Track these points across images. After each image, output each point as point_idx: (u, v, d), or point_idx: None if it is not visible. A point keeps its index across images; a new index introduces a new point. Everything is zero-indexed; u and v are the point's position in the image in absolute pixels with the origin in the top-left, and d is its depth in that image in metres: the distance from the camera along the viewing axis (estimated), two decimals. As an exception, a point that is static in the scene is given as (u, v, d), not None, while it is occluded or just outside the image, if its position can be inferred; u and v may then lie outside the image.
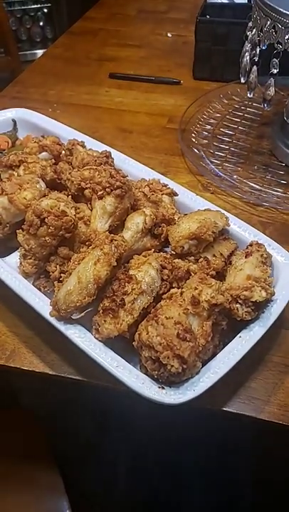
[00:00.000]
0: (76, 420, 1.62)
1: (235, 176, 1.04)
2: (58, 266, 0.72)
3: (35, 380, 0.73)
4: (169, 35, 1.67)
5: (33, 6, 3.41)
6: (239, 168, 1.08)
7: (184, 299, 0.59)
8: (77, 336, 0.62)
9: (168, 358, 0.54)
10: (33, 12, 3.44)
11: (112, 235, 0.67)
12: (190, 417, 0.79)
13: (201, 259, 0.66)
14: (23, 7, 3.40)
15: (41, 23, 3.50)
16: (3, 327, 0.77)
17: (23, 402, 1.41)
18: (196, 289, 0.60)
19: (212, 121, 1.21)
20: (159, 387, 0.57)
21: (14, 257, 0.78)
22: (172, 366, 0.54)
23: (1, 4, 2.20)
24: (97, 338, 0.62)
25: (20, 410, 1.27)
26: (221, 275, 0.69)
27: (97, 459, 1.54)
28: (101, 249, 0.63)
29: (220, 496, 1.45)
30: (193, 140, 1.15)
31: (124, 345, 0.64)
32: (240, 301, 0.62)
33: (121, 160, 0.92)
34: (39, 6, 3.40)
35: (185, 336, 0.55)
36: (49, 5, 3.37)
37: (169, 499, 1.45)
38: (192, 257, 0.68)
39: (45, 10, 3.43)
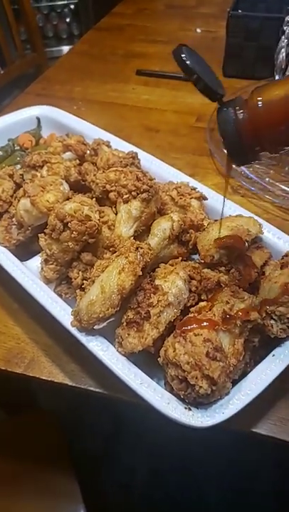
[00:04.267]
0: (93, 422, 1.60)
1: (266, 179, 0.99)
2: (80, 272, 0.69)
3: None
4: (198, 30, 1.62)
5: (59, 3, 3.40)
6: (271, 171, 1.02)
7: (214, 314, 0.55)
8: (100, 348, 0.59)
9: (196, 378, 0.50)
10: (59, 9, 3.43)
11: (138, 242, 0.63)
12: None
13: (233, 269, 0.62)
14: (50, 3, 3.39)
15: (68, 20, 3.49)
16: (23, 334, 0.74)
17: (41, 402, 1.40)
18: (227, 303, 0.56)
19: (243, 120, 1.15)
20: (186, 408, 0.53)
21: (35, 261, 0.75)
22: (200, 387, 0.50)
23: (28, 1, 2.19)
24: (120, 352, 0.59)
25: (40, 411, 1.26)
26: (253, 287, 0.64)
27: (112, 462, 1.52)
28: (126, 258, 0.59)
29: (237, 505, 1.41)
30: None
31: (146, 358, 0.60)
32: (274, 317, 0.58)
33: (147, 161, 0.88)
34: (66, 2, 3.39)
35: (215, 355, 0.51)
36: (76, 1, 3.35)
37: (187, 507, 1.42)
38: (223, 267, 0.63)
39: (72, 6, 3.42)
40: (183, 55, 0.45)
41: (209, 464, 1.47)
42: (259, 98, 0.43)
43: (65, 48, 3.50)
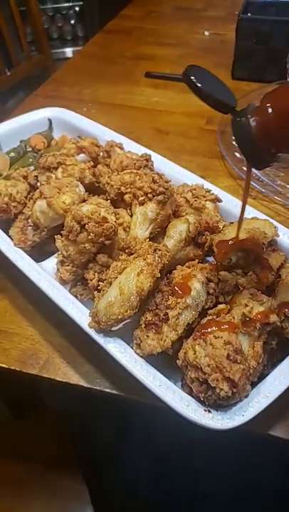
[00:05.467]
0: (99, 423, 1.60)
1: (278, 181, 0.99)
2: (96, 274, 0.69)
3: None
4: (206, 33, 1.62)
5: (65, 5, 3.41)
6: (282, 173, 1.02)
7: (233, 317, 0.55)
8: (118, 350, 0.59)
9: (217, 380, 0.50)
10: (65, 10, 3.44)
11: (156, 244, 0.63)
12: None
13: (251, 272, 0.62)
14: (55, 5, 3.40)
15: (72, 22, 3.50)
16: (37, 334, 0.74)
17: (47, 402, 1.40)
18: (246, 305, 0.56)
19: (253, 123, 1.16)
20: (205, 410, 0.53)
21: (50, 262, 0.75)
22: (221, 390, 0.50)
23: (34, 2, 2.20)
24: (138, 354, 0.59)
25: (47, 413, 1.26)
26: (270, 289, 0.64)
27: (119, 461, 1.52)
28: (144, 260, 0.59)
29: (242, 505, 1.41)
30: (233, 142, 1.10)
31: (163, 359, 0.60)
32: (293, 320, 0.58)
33: (160, 163, 0.89)
34: (71, 4, 3.40)
35: (236, 358, 0.51)
36: (81, 3, 3.36)
37: (193, 508, 1.41)
38: (240, 270, 0.63)
39: (77, 8, 3.43)
40: (192, 77, 0.48)
41: (216, 466, 1.47)
42: (268, 104, 0.44)
43: (70, 50, 3.51)
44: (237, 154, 1.06)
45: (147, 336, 0.57)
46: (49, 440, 1.17)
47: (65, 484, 1.09)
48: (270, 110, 0.44)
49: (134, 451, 1.53)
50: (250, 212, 0.77)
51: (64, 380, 0.69)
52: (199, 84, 0.48)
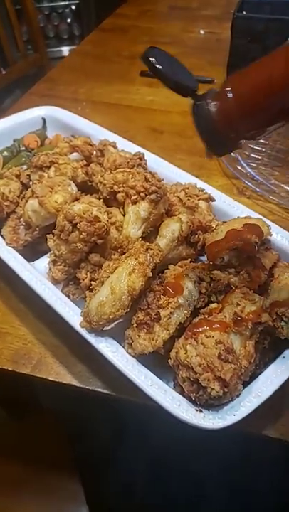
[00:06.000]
0: (95, 424, 1.60)
1: (272, 181, 0.99)
2: (88, 273, 0.69)
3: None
4: (202, 32, 1.62)
5: (61, 3, 3.40)
6: (276, 172, 1.02)
7: (225, 316, 0.55)
8: (109, 350, 0.59)
9: (208, 380, 0.50)
10: (61, 9, 3.43)
11: (148, 243, 0.63)
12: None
13: (243, 271, 0.62)
14: (51, 4, 3.39)
15: (69, 20, 3.49)
16: (29, 334, 0.74)
17: (43, 403, 1.40)
18: (238, 305, 0.56)
19: (247, 122, 1.15)
20: (197, 410, 0.53)
21: (43, 262, 0.75)
22: (213, 389, 0.50)
23: (30, 1, 2.19)
24: (129, 353, 0.58)
25: (44, 413, 1.25)
26: (262, 289, 0.64)
27: (115, 463, 1.52)
28: (136, 259, 0.59)
29: (239, 507, 1.41)
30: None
31: (155, 359, 0.60)
32: (285, 319, 0.57)
33: (154, 162, 0.88)
34: (67, 2, 3.39)
35: (227, 357, 0.51)
36: (77, 2, 3.35)
37: (188, 509, 1.41)
38: (232, 269, 0.63)
39: (73, 7, 3.42)
40: (151, 58, 0.46)
41: (212, 468, 1.47)
42: (228, 88, 0.43)
43: (66, 49, 3.50)
44: (232, 153, 1.06)
45: (139, 336, 0.57)
46: (46, 441, 1.16)
47: (61, 485, 1.09)
48: (230, 95, 0.43)
49: (130, 453, 1.53)
50: (244, 211, 0.77)
51: (56, 380, 0.68)
52: (159, 66, 0.46)
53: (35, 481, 1.09)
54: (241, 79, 0.44)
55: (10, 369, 0.70)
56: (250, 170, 1.01)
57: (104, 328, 0.62)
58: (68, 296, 0.70)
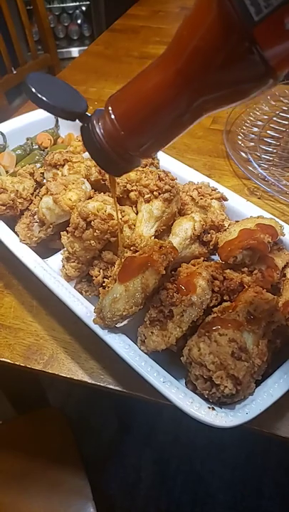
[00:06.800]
0: (100, 421, 1.60)
1: (283, 181, 0.99)
2: (101, 270, 0.69)
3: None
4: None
5: (71, 4, 3.42)
6: (287, 173, 1.02)
7: (238, 315, 0.55)
8: (122, 346, 0.59)
9: (221, 378, 0.50)
10: (71, 10, 3.45)
11: (161, 241, 0.64)
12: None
13: (256, 271, 0.62)
14: (61, 5, 3.41)
15: (79, 21, 3.51)
16: (42, 330, 0.75)
17: (51, 400, 1.41)
18: (251, 303, 0.56)
19: (259, 123, 1.16)
20: (209, 408, 0.53)
21: (56, 259, 0.76)
22: (225, 387, 0.50)
23: (41, 2, 2.20)
24: (142, 350, 0.59)
25: (49, 409, 1.26)
26: (275, 288, 0.64)
27: (119, 461, 1.53)
28: (150, 257, 0.59)
29: (245, 506, 1.41)
30: (239, 142, 1.10)
31: (166, 356, 0.61)
32: (297, 319, 0.58)
33: (166, 161, 0.89)
34: (78, 3, 3.41)
35: (240, 355, 0.51)
36: (87, 3, 3.36)
37: (193, 507, 1.42)
38: (245, 268, 0.63)
39: (84, 8, 3.44)
40: (33, 89, 0.41)
41: (216, 465, 1.47)
42: (109, 108, 0.40)
43: (75, 50, 3.51)
44: (243, 154, 1.07)
45: (152, 333, 0.57)
46: (52, 435, 1.17)
47: (67, 479, 1.09)
48: (111, 114, 0.39)
49: (135, 451, 1.53)
50: (256, 211, 0.77)
51: (68, 376, 0.69)
52: (44, 98, 0.41)
53: (42, 475, 1.10)
54: (122, 95, 0.40)
55: (22, 365, 0.70)
56: (261, 171, 1.01)
57: (117, 325, 0.62)
58: (81, 293, 0.70)
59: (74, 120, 0.44)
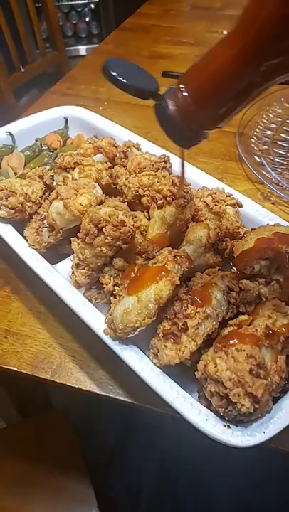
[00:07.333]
0: (104, 425, 1.59)
1: (298, 186, 0.96)
2: (112, 278, 0.67)
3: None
4: (225, 32, 1.59)
5: (80, 2, 3.39)
6: (302, 178, 1.00)
7: (256, 329, 0.53)
8: (134, 359, 0.57)
9: (239, 395, 0.48)
10: (80, 8, 3.43)
11: (175, 250, 0.61)
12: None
13: (274, 281, 0.60)
14: (70, 2, 3.39)
15: (87, 19, 3.49)
16: (50, 338, 0.73)
17: (54, 402, 1.39)
18: (269, 317, 0.54)
19: (272, 125, 1.13)
20: (225, 426, 0.51)
21: (65, 264, 0.74)
22: (243, 405, 0.48)
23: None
24: (154, 364, 0.57)
25: (53, 413, 1.25)
26: (292, 300, 0.62)
27: (123, 463, 1.51)
28: (163, 266, 0.57)
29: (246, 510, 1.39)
30: (252, 145, 1.07)
31: (179, 368, 0.58)
32: (317, 333, 0.55)
33: (179, 165, 0.86)
34: (86, 1, 3.39)
35: (258, 372, 0.49)
36: (96, 1, 3.34)
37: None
38: (262, 279, 0.61)
39: (92, 6, 3.41)
40: (110, 70, 0.49)
41: (220, 469, 1.45)
42: (182, 85, 0.45)
43: (83, 48, 3.49)
44: (256, 158, 1.04)
45: (165, 346, 0.55)
46: (56, 440, 1.16)
47: (71, 485, 1.08)
48: (184, 91, 0.45)
49: (139, 454, 1.52)
50: (272, 218, 0.74)
51: (76, 386, 0.67)
52: (123, 80, 0.48)
53: (45, 481, 1.08)
54: (192, 72, 0.45)
55: (29, 373, 0.69)
56: (275, 175, 0.98)
57: (128, 336, 0.60)
58: (90, 301, 0.68)
59: (148, 98, 0.50)
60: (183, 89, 0.45)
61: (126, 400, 0.65)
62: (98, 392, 0.66)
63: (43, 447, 1.15)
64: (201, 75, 0.44)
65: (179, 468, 1.49)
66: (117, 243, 0.64)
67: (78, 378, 0.68)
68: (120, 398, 0.65)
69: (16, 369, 0.69)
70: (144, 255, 0.68)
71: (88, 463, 1.10)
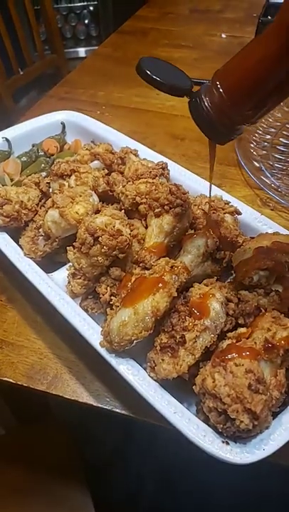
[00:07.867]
0: (102, 433, 1.58)
1: (297, 192, 0.95)
2: (108, 288, 0.66)
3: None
4: (224, 35, 1.59)
5: (79, 4, 3.39)
6: (301, 184, 0.99)
7: (255, 342, 0.52)
8: (130, 372, 0.56)
9: (237, 412, 0.47)
10: (79, 10, 3.42)
11: (172, 260, 0.60)
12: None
13: (273, 292, 0.58)
14: (69, 4, 3.38)
15: (86, 21, 3.48)
16: (46, 348, 0.72)
17: (53, 409, 1.38)
18: (268, 330, 0.52)
19: (271, 130, 1.12)
20: (223, 442, 0.50)
21: (61, 273, 0.73)
22: (241, 422, 0.47)
23: (49, 1, 2.18)
24: (151, 377, 0.56)
25: (52, 421, 1.24)
26: (292, 311, 0.61)
27: (121, 472, 1.50)
28: (160, 277, 0.56)
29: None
30: (251, 150, 1.06)
31: (176, 381, 0.57)
32: (317, 346, 0.54)
33: (177, 171, 0.85)
34: (85, 3, 3.38)
35: (257, 388, 0.48)
36: (95, 3, 3.33)
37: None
38: (261, 290, 0.60)
39: (91, 8, 3.41)
40: (145, 69, 0.50)
41: (220, 472, 1.44)
42: (217, 82, 0.46)
43: (83, 50, 3.49)
44: (255, 163, 1.03)
45: (162, 360, 0.54)
46: (54, 448, 1.14)
47: (69, 494, 1.07)
48: (219, 87, 0.46)
49: (137, 463, 1.50)
50: (271, 226, 0.73)
51: (73, 398, 0.66)
52: (158, 78, 0.49)
53: (43, 490, 1.07)
54: (228, 69, 0.46)
55: (25, 385, 0.68)
56: (274, 180, 0.97)
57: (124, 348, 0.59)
58: (86, 311, 0.67)
59: (182, 96, 0.51)
60: (218, 86, 0.46)
61: (123, 412, 0.64)
62: (95, 404, 0.65)
63: (41, 455, 1.14)
64: (237, 72, 0.45)
65: (178, 474, 1.48)
66: (114, 253, 0.63)
67: (75, 390, 0.67)
68: (117, 411, 0.64)
69: (11, 380, 0.68)
70: (141, 264, 0.67)
71: (87, 469, 1.09)
